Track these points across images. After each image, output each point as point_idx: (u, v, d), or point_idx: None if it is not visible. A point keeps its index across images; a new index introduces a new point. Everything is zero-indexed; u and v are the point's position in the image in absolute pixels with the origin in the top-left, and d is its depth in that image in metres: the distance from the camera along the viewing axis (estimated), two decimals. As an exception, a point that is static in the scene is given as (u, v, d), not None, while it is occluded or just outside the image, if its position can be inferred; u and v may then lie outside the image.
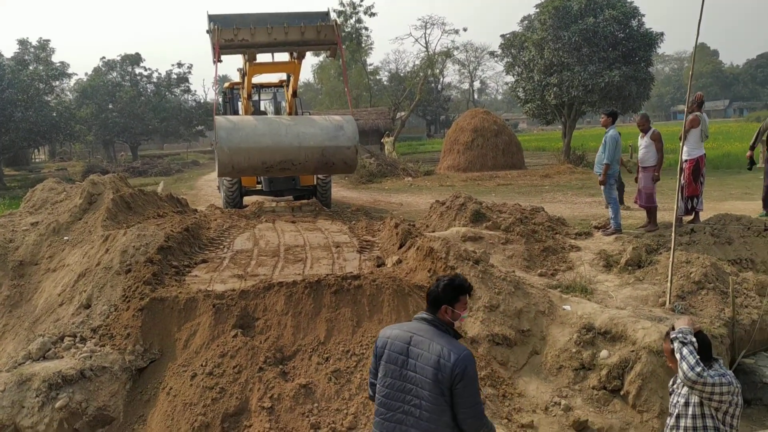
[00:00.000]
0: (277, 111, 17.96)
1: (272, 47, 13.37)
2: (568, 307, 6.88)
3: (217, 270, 8.05)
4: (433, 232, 10.05)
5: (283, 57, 14.50)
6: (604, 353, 6.25)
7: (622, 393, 5.97)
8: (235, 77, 20.21)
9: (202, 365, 6.10)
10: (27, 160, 54.34)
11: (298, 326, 6.47)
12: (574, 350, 6.36)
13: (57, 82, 39.51)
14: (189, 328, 6.57)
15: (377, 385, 3.51)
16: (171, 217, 10.01)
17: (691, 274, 7.61)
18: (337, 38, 13.18)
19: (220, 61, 13.10)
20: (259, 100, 18.19)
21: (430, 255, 7.47)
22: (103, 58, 55.38)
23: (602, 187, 9.96)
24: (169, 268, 7.76)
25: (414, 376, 3.32)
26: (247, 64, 13.84)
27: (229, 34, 12.52)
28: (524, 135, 66.26)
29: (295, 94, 15.11)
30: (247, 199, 16.11)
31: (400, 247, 8.63)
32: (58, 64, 41.14)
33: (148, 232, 8.15)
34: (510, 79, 30.81)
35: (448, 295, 3.45)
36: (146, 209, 10.32)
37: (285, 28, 12.68)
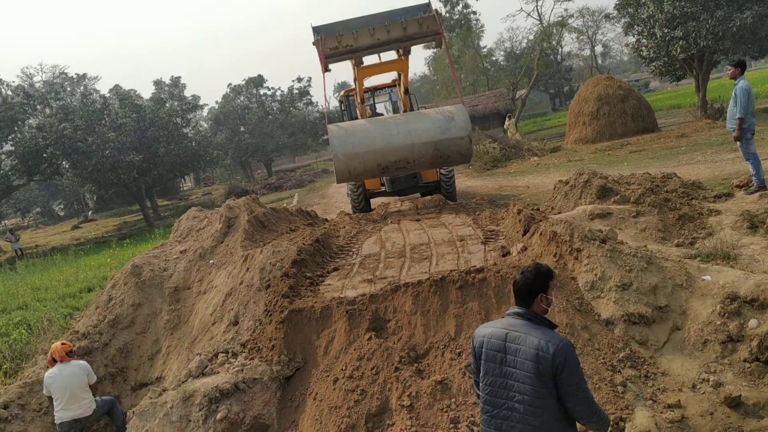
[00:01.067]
0: (394, 110, 18.13)
1: (377, 48, 13.42)
2: (708, 277, 6.49)
3: (348, 276, 8.38)
4: (559, 213, 9.83)
5: (391, 56, 14.62)
6: (753, 322, 5.84)
7: (777, 364, 5.56)
8: (352, 81, 20.78)
9: (342, 369, 6.41)
10: (176, 190, 59.02)
11: (428, 324, 6.62)
12: (719, 322, 5.99)
13: (191, 115, 42.56)
14: (327, 335, 6.92)
15: (480, 384, 3.56)
16: (302, 231, 10.53)
17: None
18: (440, 27, 13.08)
19: (329, 70, 13.44)
20: (374, 102, 18.42)
21: (554, 239, 7.34)
22: (230, 84, 59.02)
23: (738, 143, 9.27)
24: (304, 280, 8.19)
25: (514, 372, 3.35)
26: (356, 68, 14.09)
27: (333, 42, 12.79)
28: (656, 94, 62.52)
29: (407, 91, 15.21)
30: (374, 202, 16.55)
31: (525, 233, 8.53)
32: (191, 98, 44.37)
33: (281, 248, 8.64)
34: (631, 39, 29.12)
35: (541, 284, 3.50)
36: (279, 225, 10.93)
37: (387, 27, 12.78)
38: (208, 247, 10.06)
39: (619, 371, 5.83)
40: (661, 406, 5.45)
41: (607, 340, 6.15)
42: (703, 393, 5.54)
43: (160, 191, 47.78)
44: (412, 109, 15.57)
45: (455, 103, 15.88)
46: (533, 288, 3.51)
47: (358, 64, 13.84)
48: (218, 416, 6.26)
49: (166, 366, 8.63)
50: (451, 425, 5.59)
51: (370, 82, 16.54)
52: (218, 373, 6.87)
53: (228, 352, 7.20)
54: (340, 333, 6.83)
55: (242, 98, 58.03)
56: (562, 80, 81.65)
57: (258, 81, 57.93)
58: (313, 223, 11.78)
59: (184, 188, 66.83)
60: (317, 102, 63.53)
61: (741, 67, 9.28)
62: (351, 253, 9.65)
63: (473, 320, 6.49)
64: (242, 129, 54.04)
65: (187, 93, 47.79)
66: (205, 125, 54.64)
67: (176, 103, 40.44)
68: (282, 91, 58.93)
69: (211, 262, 9.73)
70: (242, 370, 6.67)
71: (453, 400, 5.82)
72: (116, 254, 21.53)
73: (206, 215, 11.74)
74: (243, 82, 57.84)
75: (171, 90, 46.11)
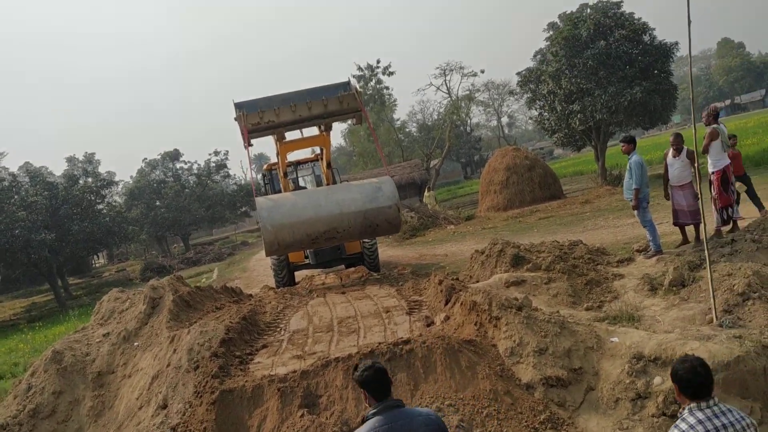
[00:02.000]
0: (318, 184, 18.35)
1: (299, 123, 13.65)
2: (615, 339, 7.04)
3: (277, 353, 8.47)
4: (477, 282, 10.34)
5: (312, 131, 14.94)
6: (657, 380, 6.37)
7: (681, 417, 6.08)
8: (273, 154, 21.04)
9: (276, 448, 6.46)
10: (88, 267, 56.68)
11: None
12: (627, 381, 6.50)
13: (106, 191, 41.62)
14: (259, 414, 6.96)
15: None
16: (228, 308, 10.55)
17: (734, 286, 7.70)
18: (360, 105, 13.52)
19: (251, 145, 13.56)
20: (297, 176, 18.61)
21: (474, 308, 7.76)
22: (145, 158, 58.22)
23: (635, 211, 10.14)
24: (233, 359, 8.22)
25: None
26: (278, 143, 14.28)
27: (255, 118, 12.95)
28: (560, 161, 66.14)
29: (329, 165, 15.52)
30: (298, 275, 16.63)
31: (447, 303, 8.94)
32: (105, 174, 43.54)
33: (209, 327, 8.66)
34: (534, 113, 31.14)
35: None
36: (204, 304, 10.91)
37: (308, 104, 13.07)
38: (132, 329, 9.91)
39: (542, 433, 6.19)
40: (582, 464, 5.82)
41: (528, 403, 6.52)
42: (619, 449, 5.96)
43: (71, 269, 45.84)
44: (335, 182, 15.91)
45: (375, 174, 16.39)
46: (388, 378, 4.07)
47: (280, 139, 14.04)
48: (150, 505, 6.15)
49: (89, 456, 8.35)
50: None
51: (293, 156, 16.89)
52: (148, 460, 6.77)
53: (157, 438, 7.10)
54: (273, 411, 6.89)
55: (158, 172, 57.29)
56: (472, 150, 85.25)
57: (174, 155, 57.47)
58: (238, 300, 11.80)
59: (97, 265, 64.31)
60: (235, 174, 63.50)
61: (632, 143, 10.25)
62: (279, 329, 9.74)
63: (402, 390, 6.73)
64: (158, 203, 53.12)
65: (102, 169, 47.09)
66: (120, 200, 53.31)
67: (90, 180, 39.53)
68: (199, 164, 58.72)
69: (135, 344, 9.59)
70: (173, 456, 6.61)
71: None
72: (28, 339, 20.46)
73: (128, 296, 11.56)
74: (159, 156, 57.29)
75: (84, 166, 45.10)
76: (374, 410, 3.91)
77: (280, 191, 17.16)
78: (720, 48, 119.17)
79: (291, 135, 14.52)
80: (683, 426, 3.16)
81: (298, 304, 11.31)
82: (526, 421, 6.30)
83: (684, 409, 3.26)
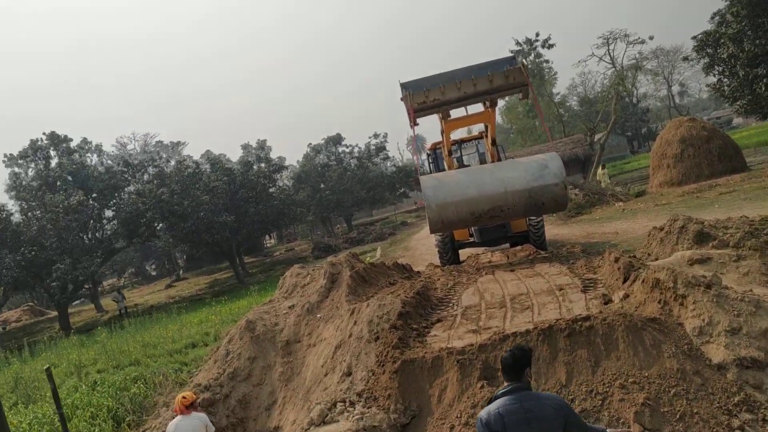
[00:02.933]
0: (481, 162, 18.28)
1: (464, 101, 13.76)
2: (821, 320, 6.49)
3: (452, 327, 8.73)
4: (656, 260, 9.91)
5: (477, 108, 14.89)
6: None
7: None
8: (430, 135, 21.29)
9: (457, 417, 6.71)
10: (261, 247, 61.06)
11: (539, 372, 6.85)
12: (837, 365, 6.00)
13: (278, 175, 44.55)
14: (439, 384, 7.26)
15: None
16: (401, 284, 10.99)
17: None
18: (526, 78, 13.33)
19: (417, 124, 13.87)
20: (461, 155, 18.66)
21: (658, 285, 7.48)
22: (310, 144, 61.36)
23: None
24: (411, 331, 8.59)
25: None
26: (443, 121, 14.46)
27: (421, 97, 13.24)
28: (741, 131, 60.53)
29: (494, 142, 15.44)
30: (462, 253, 16.83)
31: (625, 281, 8.68)
32: (277, 159, 46.60)
33: (386, 301, 9.10)
34: (712, 79, 28.75)
35: (529, 359, 4.29)
36: (379, 280, 11.43)
37: (473, 80, 13.12)
38: (314, 302, 10.65)
39: (736, 415, 5.89)
40: (783, 450, 5.48)
41: (720, 384, 6.22)
42: (827, 436, 5.54)
43: (246, 249, 49.73)
44: (500, 160, 15.78)
45: (536, 151, 16.08)
46: (524, 362, 4.28)
47: (445, 117, 14.21)
48: (343, 462, 6.66)
49: (282, 416, 9.14)
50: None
51: (457, 135, 17.02)
52: (338, 421, 7.31)
53: (345, 402, 7.63)
54: (453, 382, 7.15)
55: (322, 156, 60.19)
56: (639, 122, 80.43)
57: (336, 139, 60.04)
58: (409, 276, 12.24)
59: (268, 245, 69.08)
60: (393, 156, 64.95)
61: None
62: (451, 304, 10.00)
63: (583, 367, 6.69)
64: (322, 186, 55.82)
65: (273, 155, 50.56)
66: (288, 184, 56.71)
67: (263, 165, 42.49)
68: (360, 147, 60.80)
69: (318, 316, 10.30)
70: (362, 419, 7.09)
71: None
72: (216, 311, 22.58)
73: (308, 272, 12.39)
74: (322, 141, 60.13)
75: (258, 152, 48.62)
76: (504, 390, 4.22)
77: (444, 170, 17.35)
78: None
79: (455, 113, 14.66)
80: None
81: (467, 281, 11.51)
82: (718, 402, 6.04)
83: None
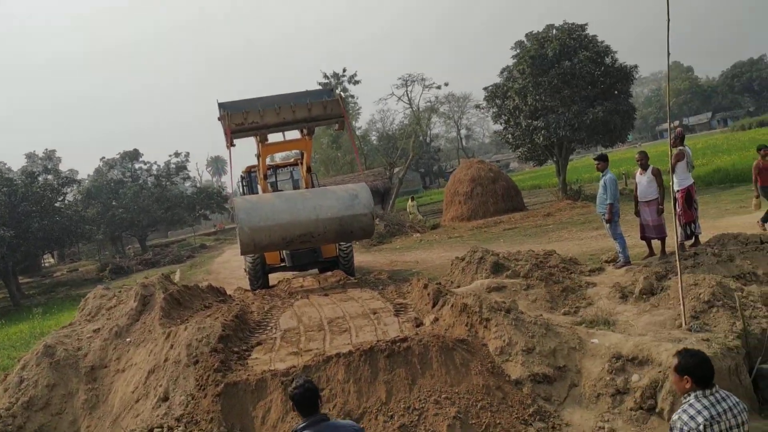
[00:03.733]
0: (295, 188, 18.44)
1: (282, 126, 13.90)
2: (596, 341, 7.66)
3: (273, 350, 8.83)
4: (458, 287, 10.89)
5: (294, 135, 15.11)
6: (635, 377, 7.00)
7: (657, 410, 6.69)
8: (243, 161, 21.08)
9: (282, 437, 6.84)
10: (38, 267, 55.31)
11: (360, 391, 7.24)
12: (608, 378, 7.11)
13: (67, 189, 40.93)
14: (263, 405, 7.33)
15: None
16: (218, 307, 10.84)
17: (700, 294, 8.41)
18: (343, 111, 13.87)
19: (233, 145, 13.74)
20: (276, 180, 18.74)
21: (465, 310, 8.29)
22: (103, 158, 57.30)
23: (607, 225, 10.85)
24: (232, 354, 8.55)
25: None
26: (260, 145, 14.44)
27: (240, 119, 13.17)
28: (517, 174, 67.70)
29: (309, 169, 15.83)
30: (272, 277, 16.89)
31: (434, 305, 9.44)
32: (67, 172, 42.79)
33: (206, 324, 8.97)
34: (498, 127, 32.07)
35: (317, 390, 4.48)
36: (193, 302, 11.16)
37: (292, 107, 13.36)
38: (123, 325, 10.10)
39: (531, 424, 6.74)
40: (568, 453, 6.39)
41: (518, 397, 7.07)
42: (600, 439, 6.55)
43: (21, 268, 44.80)
44: (313, 187, 16.17)
45: (338, 181, 16.70)
46: (316, 394, 4.43)
47: (262, 140, 14.21)
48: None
49: (85, 447, 8.54)
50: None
51: (273, 160, 17.08)
52: (156, 448, 7.05)
53: (163, 427, 7.37)
54: (276, 403, 7.27)
55: (116, 172, 56.45)
56: (431, 160, 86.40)
57: (133, 155, 56.74)
58: (224, 300, 12.08)
59: (46, 264, 62.75)
60: (194, 177, 62.88)
61: (606, 161, 10.98)
62: (269, 327, 10.08)
63: (401, 385, 7.20)
64: (114, 203, 52.32)
65: (62, 167, 46.30)
66: (76, 198, 52.30)
67: (50, 177, 38.74)
68: (158, 165, 58.04)
69: (128, 340, 9.79)
70: (183, 444, 6.92)
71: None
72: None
73: (114, 293, 11.73)
74: (118, 156, 56.44)
75: (44, 163, 44.20)
76: (303, 424, 4.27)
77: (257, 193, 17.35)
78: (671, 71, 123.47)
79: (273, 138, 14.76)
80: (691, 411, 3.66)
81: (283, 305, 11.66)
82: (516, 414, 6.85)
83: (690, 395, 3.77)
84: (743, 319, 7.83)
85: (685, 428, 3.58)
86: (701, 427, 3.55)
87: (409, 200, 33.85)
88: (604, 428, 6.66)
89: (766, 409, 7.32)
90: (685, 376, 3.72)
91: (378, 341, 7.79)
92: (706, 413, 3.58)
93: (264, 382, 7.53)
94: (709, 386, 3.67)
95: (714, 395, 3.67)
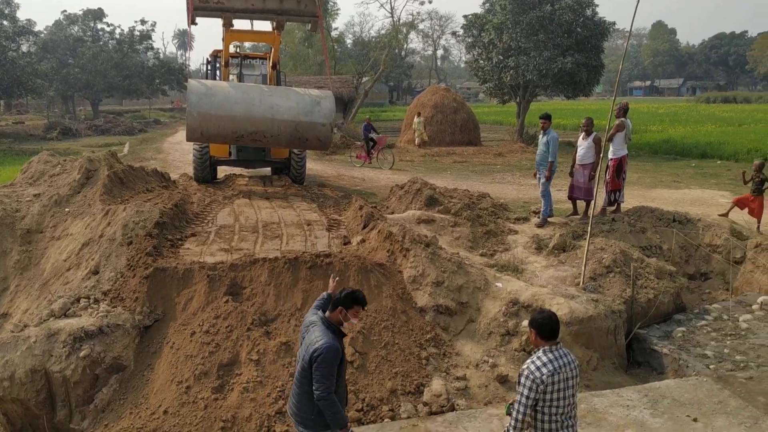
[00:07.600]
0: (263, 83, 17.02)
1: (250, 13, 13.30)
2: (500, 285, 8.42)
3: (205, 243, 9.33)
4: (392, 213, 11.48)
5: (265, 27, 14.57)
6: (525, 323, 7.79)
7: (536, 354, 7.53)
8: (214, 43, 20.38)
9: (199, 325, 7.44)
10: (-19, 112, 53.60)
11: (279, 295, 7.85)
12: (502, 320, 7.90)
13: (23, 39, 39.20)
14: (187, 294, 7.89)
15: None
16: (159, 193, 11.19)
17: (603, 259, 9.21)
18: (318, 10, 13.27)
19: (195, 23, 13.13)
20: (242, 72, 17.53)
21: (389, 238, 8.90)
22: (65, 11, 54.78)
23: (541, 181, 11.48)
24: (165, 241, 9.02)
25: (301, 352, 4.58)
26: (225, 29, 13.76)
27: None
28: (483, 106, 67.88)
29: (275, 65, 15.23)
30: (221, 171, 16.94)
31: (364, 227, 10.03)
32: (24, 21, 40.82)
33: (145, 208, 9.35)
34: (470, 57, 32.07)
35: (347, 302, 4.55)
36: (136, 184, 11.46)
37: None
38: (64, 195, 10.38)
39: (425, 348, 7.51)
40: (452, 378, 7.20)
41: (419, 323, 7.82)
42: (483, 371, 7.39)
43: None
44: (279, 85, 15.60)
45: (304, 82, 16.23)
46: (340, 301, 4.54)
47: (226, 25, 13.54)
48: (81, 354, 7.01)
49: (13, 303, 9.00)
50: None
51: (243, 50, 16.51)
52: (81, 316, 7.57)
53: (90, 298, 7.88)
54: (200, 293, 7.83)
55: (77, 29, 54.06)
56: (402, 75, 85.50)
57: (97, 14, 54.26)
58: (167, 186, 12.40)
59: (-9, 112, 60.75)
60: (158, 49, 60.82)
61: (550, 120, 11.46)
62: (206, 221, 10.54)
63: (317, 296, 7.79)
64: (71, 62, 50.44)
65: (20, 15, 43.92)
66: (31, 50, 50.16)
67: (6, 23, 37.00)
68: (122, 30, 55.80)
69: (67, 210, 10.10)
70: (106, 316, 7.45)
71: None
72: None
73: (59, 161, 11.89)
74: (80, 12, 53.92)
75: (1, 7, 41.85)
76: (547, 347, 4.39)
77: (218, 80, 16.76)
78: (653, 30, 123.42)
79: (240, 25, 14.21)
80: (538, 362, 4.34)
81: (224, 201, 12.08)
82: (414, 337, 7.61)
83: (539, 349, 4.46)
84: (633, 287, 8.69)
85: (531, 377, 4.26)
86: (544, 377, 4.22)
87: (416, 117, 31.93)
88: (488, 362, 7.48)
89: (632, 367, 8.30)
90: (533, 329, 4.38)
91: (304, 252, 8.37)
92: (550, 366, 4.26)
93: (191, 272, 8.05)
94: (549, 341, 4.33)
95: (557, 351, 4.33)
